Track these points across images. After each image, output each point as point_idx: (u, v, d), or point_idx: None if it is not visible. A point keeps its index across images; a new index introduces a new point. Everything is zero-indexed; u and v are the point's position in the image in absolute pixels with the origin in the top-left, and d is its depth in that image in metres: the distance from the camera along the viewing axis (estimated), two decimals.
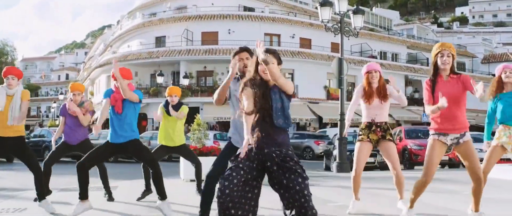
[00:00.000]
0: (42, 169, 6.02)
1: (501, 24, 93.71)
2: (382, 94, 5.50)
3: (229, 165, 3.47)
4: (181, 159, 9.76)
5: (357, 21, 15.08)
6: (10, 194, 8.02)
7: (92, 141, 7.21)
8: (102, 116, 5.47)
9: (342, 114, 13.41)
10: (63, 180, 10.04)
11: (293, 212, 3.30)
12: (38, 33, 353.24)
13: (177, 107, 6.94)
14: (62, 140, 6.83)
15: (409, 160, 15.50)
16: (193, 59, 32.60)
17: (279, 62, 3.64)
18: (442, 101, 4.13)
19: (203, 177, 4.58)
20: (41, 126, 47.20)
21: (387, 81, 5.62)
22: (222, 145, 10.11)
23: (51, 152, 6.90)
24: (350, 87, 34.82)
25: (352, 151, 5.84)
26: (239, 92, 3.60)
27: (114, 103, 5.46)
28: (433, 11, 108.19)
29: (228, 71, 4.56)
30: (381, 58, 39.72)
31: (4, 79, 5.53)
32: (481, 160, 4.69)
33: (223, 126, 29.72)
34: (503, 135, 5.16)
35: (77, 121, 6.69)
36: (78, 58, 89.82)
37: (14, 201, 7.03)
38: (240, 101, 3.59)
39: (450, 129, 4.49)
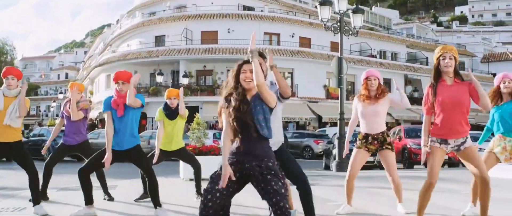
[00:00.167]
0: (43, 171, 6.01)
1: (500, 23, 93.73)
2: (379, 95, 5.49)
3: (212, 177, 3.46)
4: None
5: (356, 20, 15.07)
6: (10, 193, 8.01)
7: (91, 141, 7.19)
8: (108, 134, 5.36)
9: (342, 113, 13.41)
10: (63, 180, 10.04)
11: None
12: (38, 32, 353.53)
13: (175, 111, 6.72)
14: (61, 142, 6.83)
15: (409, 159, 15.49)
16: (192, 59, 32.59)
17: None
18: (423, 153, 4.41)
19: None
20: (40, 125, 47.23)
21: (386, 85, 5.62)
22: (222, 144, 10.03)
23: (51, 154, 6.90)
24: (349, 87, 34.83)
25: (352, 150, 5.82)
26: (220, 108, 3.54)
27: (116, 108, 5.42)
28: (432, 10, 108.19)
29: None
30: (380, 58, 39.73)
31: (4, 80, 5.49)
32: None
33: None
34: (498, 145, 5.15)
35: (76, 123, 6.68)
36: (77, 58, 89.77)
37: (14, 200, 7.03)
38: (219, 117, 3.55)
39: (451, 135, 4.36)
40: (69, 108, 6.64)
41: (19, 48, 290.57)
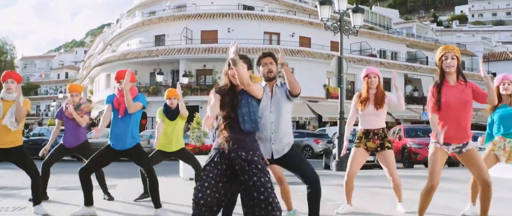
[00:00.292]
0: (41, 171, 5.99)
1: (500, 22, 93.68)
2: (379, 102, 5.44)
3: (200, 175, 3.58)
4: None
5: (356, 20, 15.06)
6: (10, 192, 8.00)
7: (91, 141, 7.19)
8: (103, 122, 5.38)
9: (342, 113, 13.41)
10: (62, 179, 10.04)
11: None
12: (38, 32, 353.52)
13: (176, 111, 6.68)
14: (61, 142, 6.81)
15: (409, 158, 15.48)
16: (192, 58, 32.59)
17: (249, 67, 3.73)
18: (441, 136, 4.14)
19: None
20: (40, 124, 47.22)
21: (386, 84, 5.59)
22: None
23: (49, 153, 6.87)
24: (349, 86, 34.83)
25: (350, 150, 5.81)
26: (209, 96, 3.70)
27: (118, 107, 5.41)
28: (432, 10, 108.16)
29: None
30: (380, 57, 39.73)
31: (3, 84, 5.44)
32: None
33: None
34: (497, 147, 5.14)
35: (75, 123, 6.67)
36: (77, 57, 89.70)
37: (14, 199, 7.02)
38: (208, 103, 3.67)
39: (453, 137, 4.30)
40: (69, 108, 6.63)
41: (19, 48, 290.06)
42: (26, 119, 6.55)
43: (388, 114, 21.90)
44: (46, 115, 70.17)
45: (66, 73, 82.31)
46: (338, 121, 13.69)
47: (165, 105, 6.73)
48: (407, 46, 43.42)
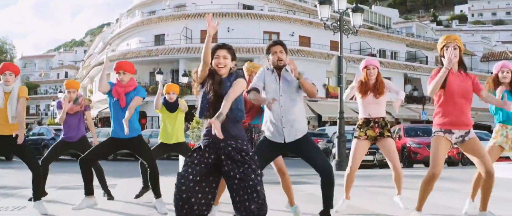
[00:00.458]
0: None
1: (500, 22, 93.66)
2: (379, 90, 5.46)
3: (185, 161, 3.53)
4: (180, 156, 9.75)
5: (356, 19, 15.06)
6: (9, 192, 7.99)
7: (90, 139, 7.22)
8: (102, 76, 5.46)
9: (342, 112, 13.41)
10: (62, 178, 10.03)
11: (244, 213, 3.32)
12: (37, 32, 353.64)
13: (175, 104, 6.90)
14: (61, 137, 6.83)
15: (408, 158, 15.48)
16: (192, 57, 32.58)
17: (233, 58, 3.66)
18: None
19: None
20: (39, 124, 47.19)
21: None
22: None
23: (49, 150, 6.89)
24: (349, 86, 34.82)
25: (350, 143, 5.79)
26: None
27: (117, 97, 5.47)
28: (432, 9, 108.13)
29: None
30: (380, 56, 39.74)
31: (1, 76, 5.49)
32: None
33: None
34: (500, 134, 5.13)
35: (77, 119, 6.69)
36: (77, 56, 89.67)
37: (13, 199, 7.02)
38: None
39: (457, 123, 4.33)
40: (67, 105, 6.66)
41: (18, 47, 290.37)
42: (26, 119, 6.54)
43: (388, 113, 21.86)
44: (46, 114, 70.16)
45: (66, 73, 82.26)
46: (337, 121, 13.69)
47: (165, 99, 6.96)
48: (407, 46, 43.44)
